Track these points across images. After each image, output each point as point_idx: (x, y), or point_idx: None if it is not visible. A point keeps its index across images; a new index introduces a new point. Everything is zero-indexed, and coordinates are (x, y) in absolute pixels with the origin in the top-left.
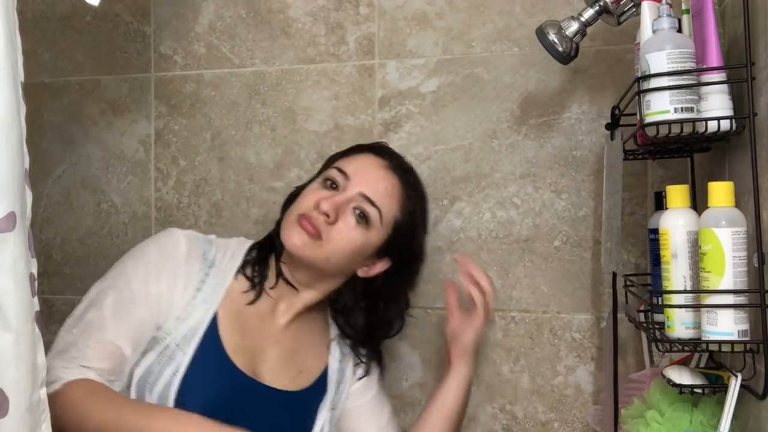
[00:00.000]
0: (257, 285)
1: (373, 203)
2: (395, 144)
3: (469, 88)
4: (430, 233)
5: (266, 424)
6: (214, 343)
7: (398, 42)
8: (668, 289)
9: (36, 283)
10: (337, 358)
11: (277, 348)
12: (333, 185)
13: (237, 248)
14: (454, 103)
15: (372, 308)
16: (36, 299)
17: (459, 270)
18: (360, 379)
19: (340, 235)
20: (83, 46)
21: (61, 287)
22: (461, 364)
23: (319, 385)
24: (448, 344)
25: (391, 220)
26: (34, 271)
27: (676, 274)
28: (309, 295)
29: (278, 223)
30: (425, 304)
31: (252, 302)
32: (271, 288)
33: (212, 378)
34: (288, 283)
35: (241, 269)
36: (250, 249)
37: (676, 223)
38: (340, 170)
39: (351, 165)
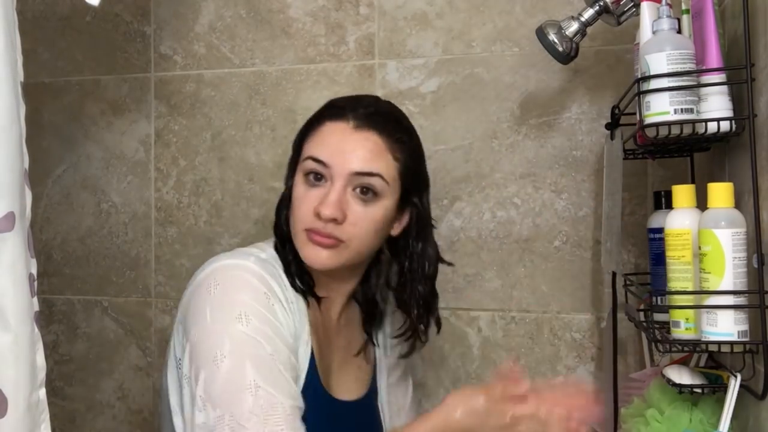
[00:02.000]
0: (313, 297)
1: (368, 173)
2: None
3: (469, 88)
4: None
5: None
6: (315, 380)
7: (398, 42)
8: (688, 289)
9: (36, 283)
10: (381, 345)
11: (337, 354)
12: (317, 177)
13: (276, 263)
14: (454, 103)
15: (411, 257)
16: (35, 299)
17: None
18: (402, 356)
19: (357, 226)
20: (83, 46)
21: (61, 287)
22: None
23: (374, 384)
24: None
25: (395, 174)
26: (34, 271)
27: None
28: (351, 283)
29: (276, 227)
30: None
31: (321, 315)
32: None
33: (318, 417)
34: (330, 281)
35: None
36: (283, 264)
37: (692, 222)
38: (315, 159)
39: (321, 147)
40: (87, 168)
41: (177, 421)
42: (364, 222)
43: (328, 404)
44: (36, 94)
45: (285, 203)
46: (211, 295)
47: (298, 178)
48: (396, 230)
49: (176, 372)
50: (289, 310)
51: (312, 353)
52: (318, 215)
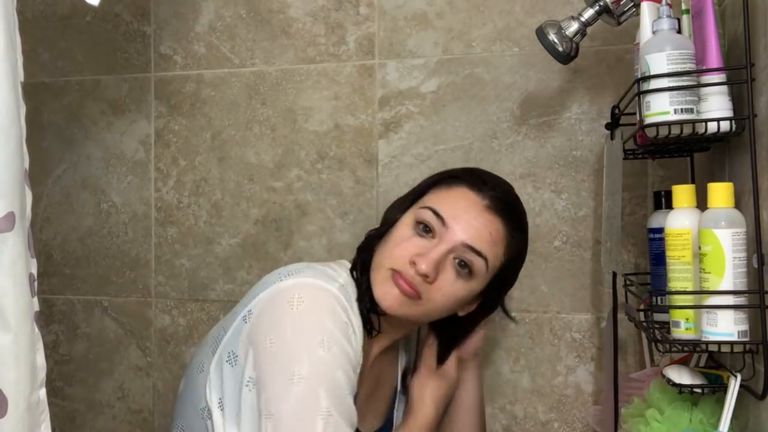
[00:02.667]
0: (375, 332)
1: (478, 253)
2: (395, 144)
3: (469, 88)
4: None
5: None
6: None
7: (398, 42)
8: (688, 289)
9: (36, 283)
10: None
11: (366, 385)
12: (426, 229)
13: (351, 290)
14: (454, 103)
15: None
16: (36, 299)
17: None
18: None
19: (441, 292)
20: (83, 46)
21: (61, 287)
22: (474, 363)
23: (390, 416)
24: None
25: (497, 266)
26: (34, 271)
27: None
28: (402, 333)
29: (362, 253)
30: None
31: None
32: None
33: None
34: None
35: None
36: (358, 293)
37: (692, 222)
38: (435, 213)
39: (446, 205)
40: (87, 168)
41: (216, 416)
42: (448, 292)
43: None
44: (36, 94)
45: (380, 235)
46: (294, 310)
47: (407, 220)
48: (462, 312)
49: (227, 367)
50: (357, 341)
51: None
52: (413, 264)
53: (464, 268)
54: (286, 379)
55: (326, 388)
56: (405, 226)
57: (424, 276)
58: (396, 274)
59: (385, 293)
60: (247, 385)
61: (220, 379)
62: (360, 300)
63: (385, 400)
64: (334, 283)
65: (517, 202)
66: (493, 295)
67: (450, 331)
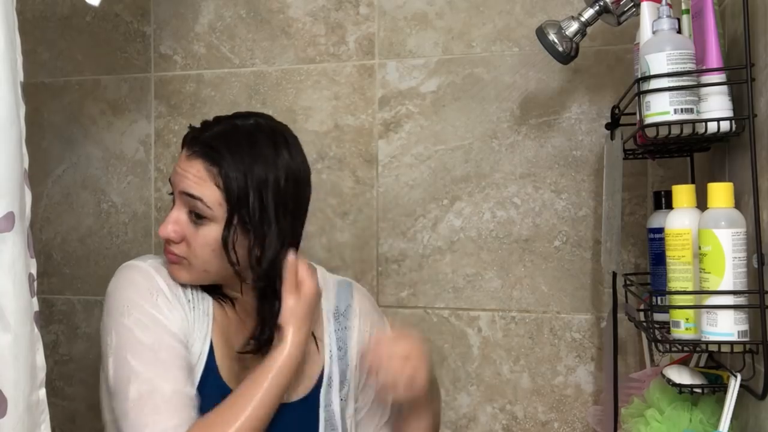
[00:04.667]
0: (223, 297)
1: (191, 195)
2: (395, 144)
3: (469, 88)
4: (431, 232)
5: None
6: (213, 376)
7: (398, 42)
8: (688, 289)
9: (35, 283)
10: (335, 348)
11: (255, 357)
12: (173, 199)
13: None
14: (454, 103)
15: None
16: (35, 299)
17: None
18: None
19: (192, 247)
20: (83, 46)
21: (61, 287)
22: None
23: (320, 381)
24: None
25: (218, 199)
26: (34, 271)
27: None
28: (247, 295)
29: None
30: (425, 304)
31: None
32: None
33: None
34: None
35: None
36: None
37: (692, 222)
38: (170, 180)
39: (174, 168)
40: (87, 168)
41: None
42: (197, 242)
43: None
44: (36, 94)
45: None
46: (107, 294)
47: None
48: (234, 256)
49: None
50: (180, 308)
51: (211, 349)
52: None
53: (198, 217)
54: (105, 357)
55: (131, 351)
56: None
57: (167, 240)
58: (164, 250)
59: (170, 270)
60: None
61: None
62: None
63: (312, 365)
64: (147, 260)
65: (224, 136)
66: (246, 223)
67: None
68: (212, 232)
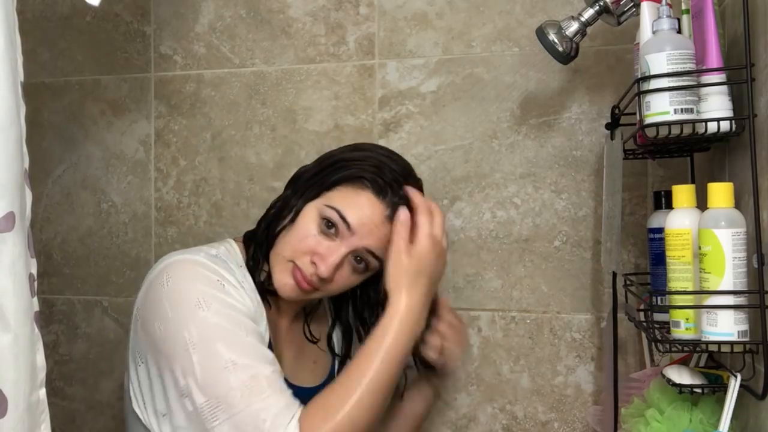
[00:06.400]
0: (270, 295)
1: (377, 257)
2: (395, 144)
3: (469, 88)
4: None
5: None
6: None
7: (398, 42)
8: (688, 289)
9: (36, 283)
10: (340, 337)
11: (290, 348)
12: (329, 224)
13: (233, 258)
14: (454, 103)
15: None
16: (35, 299)
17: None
18: None
19: (336, 285)
20: (83, 46)
21: (61, 287)
22: (437, 381)
23: (334, 371)
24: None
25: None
26: (34, 271)
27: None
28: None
29: (256, 236)
30: None
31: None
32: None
33: None
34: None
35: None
36: (252, 259)
37: (692, 222)
38: (342, 216)
39: (352, 210)
40: (87, 168)
41: (152, 421)
42: (344, 283)
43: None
44: (36, 94)
45: (281, 215)
46: (165, 289)
47: (312, 212)
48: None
49: (140, 369)
50: (245, 293)
51: (270, 339)
52: (313, 264)
53: (360, 263)
54: (183, 352)
55: (222, 341)
56: (309, 220)
57: (322, 278)
58: (295, 268)
59: (285, 284)
60: (154, 380)
61: (138, 380)
62: (252, 271)
63: (322, 356)
64: (199, 253)
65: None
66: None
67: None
68: (361, 278)
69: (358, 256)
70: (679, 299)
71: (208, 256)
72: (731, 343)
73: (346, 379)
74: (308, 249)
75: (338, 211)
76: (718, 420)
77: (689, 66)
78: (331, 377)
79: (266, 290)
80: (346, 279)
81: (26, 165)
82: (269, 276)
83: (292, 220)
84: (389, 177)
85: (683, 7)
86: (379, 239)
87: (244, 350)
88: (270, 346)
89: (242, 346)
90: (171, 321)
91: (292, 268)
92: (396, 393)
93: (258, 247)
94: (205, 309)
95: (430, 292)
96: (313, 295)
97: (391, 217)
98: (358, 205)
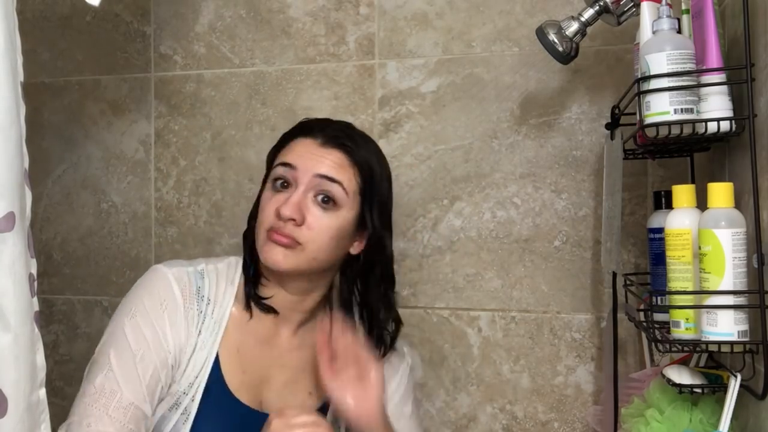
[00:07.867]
0: (259, 308)
1: (331, 179)
2: (395, 144)
3: (469, 88)
4: (431, 232)
5: None
6: (218, 386)
7: (398, 42)
8: (688, 289)
9: (36, 283)
10: None
11: (283, 371)
12: (284, 184)
13: (228, 272)
14: (454, 103)
15: (370, 278)
16: (35, 299)
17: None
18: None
19: (314, 230)
20: (83, 46)
21: (61, 287)
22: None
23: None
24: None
25: (356, 188)
26: (34, 271)
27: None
28: (311, 300)
29: (245, 237)
30: (425, 304)
31: (253, 321)
32: (270, 308)
33: (220, 420)
34: (288, 294)
35: (239, 297)
36: (245, 271)
37: (692, 222)
38: (284, 164)
39: (291, 154)
40: (87, 168)
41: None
42: (321, 227)
43: (236, 410)
44: (36, 94)
45: (254, 214)
46: (131, 289)
47: (267, 186)
48: (355, 249)
49: None
50: (185, 324)
51: (217, 360)
52: (278, 215)
53: (327, 201)
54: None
55: (116, 349)
56: (267, 191)
57: (291, 220)
58: (270, 232)
59: (268, 253)
60: None
61: None
62: (246, 281)
63: (322, 389)
64: (174, 266)
65: (352, 132)
66: (373, 221)
67: (368, 296)
68: (338, 217)
69: (319, 195)
70: (679, 299)
71: (181, 272)
72: (731, 343)
73: None
74: (272, 210)
75: (279, 164)
76: (718, 420)
77: (689, 66)
78: (325, 409)
79: (262, 304)
80: (320, 219)
81: (26, 165)
82: (257, 267)
83: (258, 205)
84: (313, 122)
85: (683, 7)
86: (323, 163)
87: (126, 369)
88: (216, 374)
89: (128, 366)
90: (111, 319)
91: (268, 234)
92: None
93: (245, 240)
94: (129, 318)
95: None
96: (300, 253)
97: (325, 144)
98: (292, 150)
